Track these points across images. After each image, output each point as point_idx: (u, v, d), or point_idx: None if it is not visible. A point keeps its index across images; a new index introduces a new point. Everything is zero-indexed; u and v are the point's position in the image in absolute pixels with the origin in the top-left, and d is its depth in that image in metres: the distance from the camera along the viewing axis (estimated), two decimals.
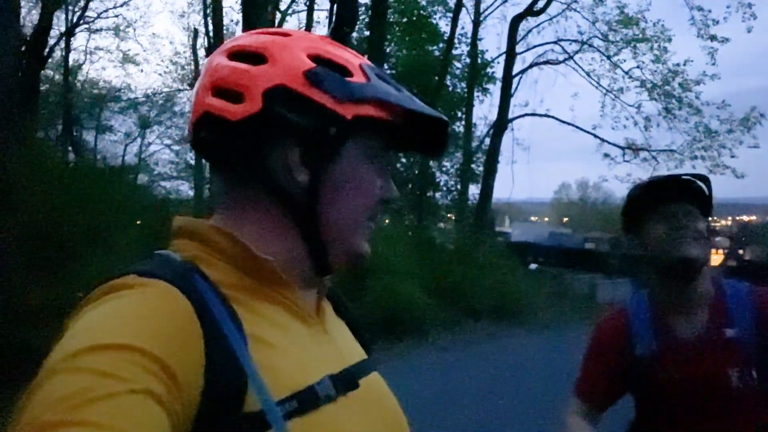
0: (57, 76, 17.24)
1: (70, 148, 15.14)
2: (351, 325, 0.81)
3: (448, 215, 17.50)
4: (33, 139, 8.39)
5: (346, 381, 0.64)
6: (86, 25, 17.44)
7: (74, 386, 0.45)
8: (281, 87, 0.63)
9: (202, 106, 0.65)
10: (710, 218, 1.38)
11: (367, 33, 12.17)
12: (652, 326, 1.38)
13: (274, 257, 0.64)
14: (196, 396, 0.51)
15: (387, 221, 14.74)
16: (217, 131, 0.65)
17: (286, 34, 0.68)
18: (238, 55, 0.66)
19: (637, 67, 16.05)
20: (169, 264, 0.60)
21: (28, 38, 11.89)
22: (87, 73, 20.02)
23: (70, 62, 17.37)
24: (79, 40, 21.76)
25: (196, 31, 18.29)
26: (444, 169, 17.04)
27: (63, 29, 15.18)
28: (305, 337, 0.65)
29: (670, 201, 1.34)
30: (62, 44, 15.71)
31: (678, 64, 15.57)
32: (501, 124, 15.24)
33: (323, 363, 0.64)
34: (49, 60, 14.66)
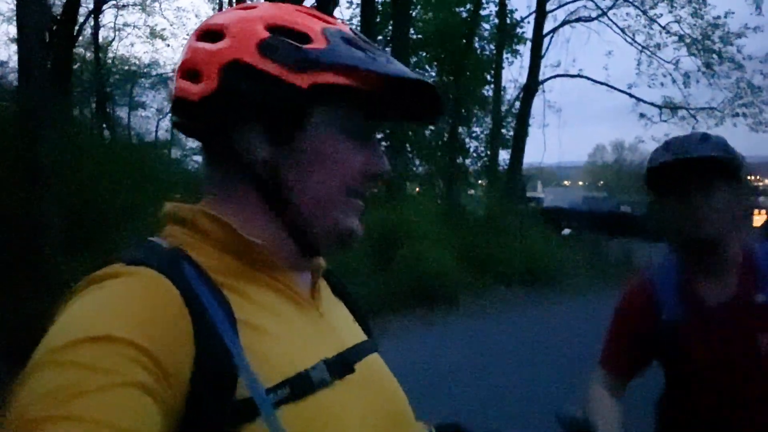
0: (88, 54, 17.49)
1: (104, 126, 15.42)
2: (351, 306, 0.79)
3: (479, 182, 17.31)
4: (68, 118, 8.60)
5: (341, 365, 0.62)
6: (114, 1, 17.59)
7: (61, 380, 0.45)
8: (235, 62, 0.61)
9: (174, 89, 0.64)
10: (741, 177, 1.29)
11: None
12: (679, 292, 1.34)
13: (262, 240, 0.63)
14: (187, 384, 0.51)
15: (417, 189, 14.72)
16: (184, 113, 0.64)
17: (251, 8, 0.66)
18: (203, 34, 0.65)
19: (675, 21, 15.41)
20: (156, 251, 0.60)
21: (57, 17, 12.06)
22: (116, 50, 20.28)
23: (100, 40, 17.59)
24: (107, 17, 21.97)
25: (220, 3, 18.23)
26: (474, 134, 16.81)
27: (91, 6, 15.33)
28: (299, 321, 0.64)
29: (682, 181, 1.28)
30: (91, 22, 15.89)
31: (718, 17, 14.89)
32: (531, 87, 14.88)
33: (318, 347, 0.63)
34: (80, 38, 14.88)
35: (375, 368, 0.71)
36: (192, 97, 0.62)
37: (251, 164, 0.63)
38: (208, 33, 0.64)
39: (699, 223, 1.27)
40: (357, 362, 0.66)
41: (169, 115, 1.05)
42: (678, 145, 1.30)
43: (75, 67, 14.38)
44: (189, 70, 0.63)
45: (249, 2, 0.68)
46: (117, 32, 20.07)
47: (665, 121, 16.15)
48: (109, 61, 19.41)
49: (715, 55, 15.04)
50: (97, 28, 16.78)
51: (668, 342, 1.34)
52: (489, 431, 0.90)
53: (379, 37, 13.99)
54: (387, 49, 13.59)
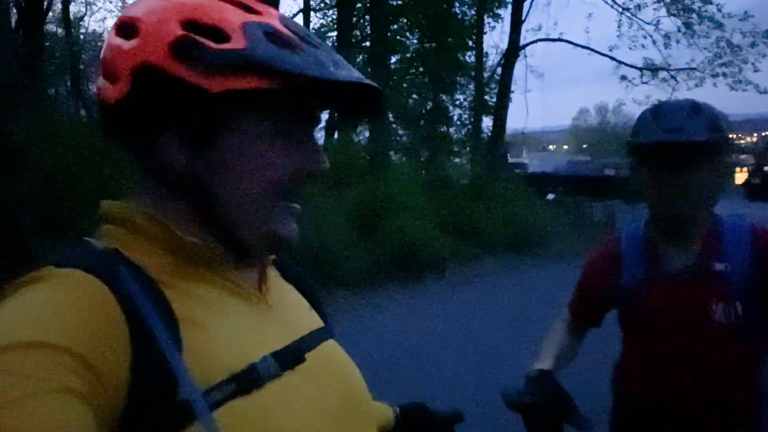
0: (59, 31, 17.02)
1: (80, 104, 15.12)
2: (306, 292, 0.78)
3: (463, 149, 17.28)
4: (41, 97, 8.40)
5: (291, 356, 0.62)
6: None
7: None
8: (145, 65, 0.57)
9: (95, 88, 0.61)
10: (726, 154, 1.30)
11: None
12: (643, 255, 1.38)
13: (197, 239, 0.61)
14: (124, 387, 0.50)
15: (402, 158, 14.67)
16: (105, 115, 0.61)
17: None
18: (120, 27, 0.61)
19: None
20: (90, 252, 0.58)
21: None
22: (88, 25, 19.74)
23: (71, 15, 17.08)
24: None
25: None
26: (457, 102, 16.70)
27: None
28: (246, 315, 0.63)
29: (666, 156, 1.27)
30: None
31: None
32: (513, 52, 14.75)
33: (267, 340, 0.62)
34: (50, 14, 14.44)
35: (329, 356, 0.70)
36: (108, 100, 0.59)
37: (171, 173, 0.61)
38: (123, 26, 0.60)
39: (676, 201, 1.28)
40: (309, 351, 0.65)
41: None
42: (667, 118, 1.28)
43: (46, 44, 13.99)
44: (106, 69, 0.60)
45: None
46: (88, 7, 19.56)
47: (646, 83, 16.13)
48: (81, 37, 18.91)
49: (694, 15, 14.96)
50: (67, 3, 16.29)
51: (627, 303, 1.39)
52: (452, 412, 0.91)
53: (358, 5, 13.75)
54: (366, 17, 13.37)
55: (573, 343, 1.47)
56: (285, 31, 0.61)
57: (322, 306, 0.79)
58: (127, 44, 0.58)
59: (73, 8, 17.81)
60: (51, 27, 16.03)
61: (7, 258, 4.26)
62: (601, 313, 1.49)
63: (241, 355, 0.58)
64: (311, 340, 0.68)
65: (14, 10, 11.21)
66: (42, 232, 4.79)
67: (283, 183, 0.63)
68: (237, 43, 0.57)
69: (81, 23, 18.91)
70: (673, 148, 1.25)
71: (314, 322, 0.73)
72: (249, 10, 0.61)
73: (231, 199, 0.62)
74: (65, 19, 16.40)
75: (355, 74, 0.62)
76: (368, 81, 0.62)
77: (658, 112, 1.31)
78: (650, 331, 1.35)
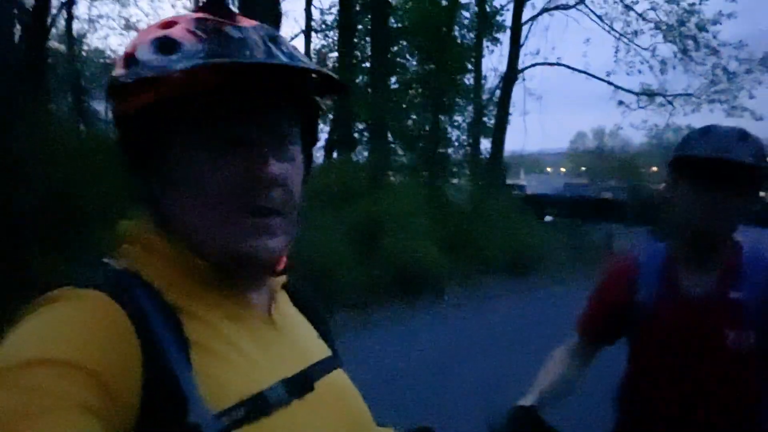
0: (62, 47, 17.13)
1: (80, 119, 15.16)
2: (315, 320, 0.78)
3: (461, 170, 17.35)
4: (43, 112, 8.42)
5: (300, 384, 0.62)
6: None
7: (6, 404, 0.45)
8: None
9: None
10: (762, 185, 1.31)
11: None
12: (659, 276, 1.38)
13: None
14: (136, 406, 0.51)
15: (401, 178, 14.71)
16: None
17: (165, 25, 0.61)
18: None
19: (651, 8, 15.50)
20: (107, 273, 0.59)
21: (30, 9, 11.78)
22: (91, 42, 19.92)
23: (74, 32, 17.23)
24: (81, 8, 21.55)
25: None
26: (455, 123, 16.81)
27: None
28: (256, 340, 0.63)
29: (710, 175, 1.27)
30: (64, 14, 15.56)
31: (693, 3, 14.98)
32: (511, 75, 14.91)
33: (276, 366, 0.62)
34: (53, 30, 14.57)
35: (337, 385, 0.70)
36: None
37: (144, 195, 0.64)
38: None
39: (714, 220, 1.28)
40: (317, 380, 0.65)
41: None
42: (717, 139, 1.28)
43: (49, 61, 14.07)
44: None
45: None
46: (91, 24, 19.71)
47: (643, 107, 16.31)
48: (84, 53, 19.04)
49: (691, 41, 15.19)
50: (70, 19, 16.44)
51: (638, 323, 1.38)
52: None
53: (359, 27, 13.91)
54: (367, 39, 13.52)
55: (577, 368, 1.44)
56: (185, 35, 0.58)
57: (331, 334, 0.79)
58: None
59: (76, 25, 17.97)
60: (54, 43, 16.15)
61: (7, 273, 4.24)
62: (613, 329, 1.47)
63: (251, 381, 0.58)
64: (320, 369, 0.67)
65: (18, 26, 11.32)
66: (43, 247, 4.77)
67: (236, 192, 0.60)
68: (135, 65, 0.59)
69: (84, 40, 19.05)
70: (721, 166, 1.25)
71: (322, 350, 0.73)
72: (167, 25, 0.61)
73: (185, 218, 0.61)
74: (68, 36, 16.54)
75: (268, 58, 0.57)
76: (277, 61, 0.58)
77: (707, 132, 1.32)
78: (661, 351, 1.35)
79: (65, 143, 6.90)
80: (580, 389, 1.44)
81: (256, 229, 0.60)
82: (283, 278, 0.71)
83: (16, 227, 4.70)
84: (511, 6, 15.42)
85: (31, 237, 4.83)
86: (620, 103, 16.49)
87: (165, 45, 0.58)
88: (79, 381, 0.48)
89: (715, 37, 15.00)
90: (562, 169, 62.40)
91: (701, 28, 15.06)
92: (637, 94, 16.38)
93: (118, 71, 0.60)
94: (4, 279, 4.09)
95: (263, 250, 0.61)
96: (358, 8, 13.36)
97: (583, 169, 54.10)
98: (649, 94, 16.33)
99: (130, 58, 0.59)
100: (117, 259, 0.62)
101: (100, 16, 23.64)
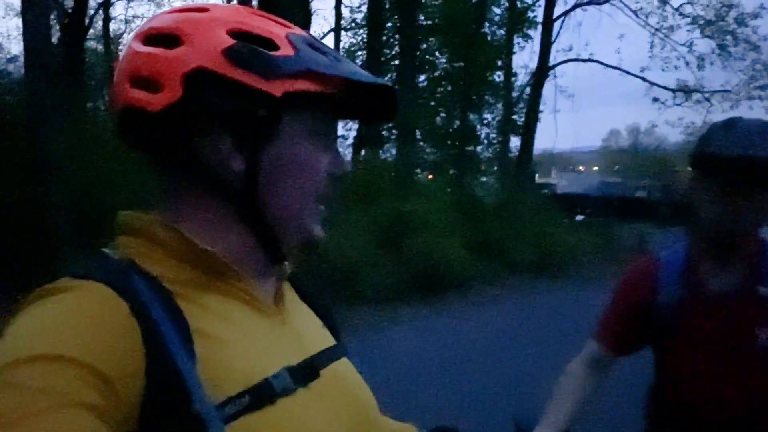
0: (99, 47, 17.58)
1: None
2: (319, 310, 0.78)
3: (490, 168, 17.20)
4: (79, 111, 8.65)
5: (305, 372, 0.62)
6: None
7: (5, 403, 0.44)
8: (200, 70, 0.58)
9: (121, 99, 0.61)
10: None
11: None
12: (682, 276, 1.32)
13: (223, 249, 0.62)
14: (139, 398, 0.50)
15: (430, 176, 14.66)
16: (140, 124, 0.60)
17: (202, 9, 0.63)
18: (152, 39, 0.61)
19: (688, 2, 15.10)
20: (105, 263, 0.58)
21: (68, 10, 12.12)
22: (127, 42, 20.34)
23: (110, 32, 17.67)
24: (117, 9, 22.04)
25: None
26: (485, 121, 16.67)
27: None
28: (262, 328, 0.63)
29: (735, 172, 1.21)
30: (101, 14, 15.96)
31: None
32: (542, 72, 14.71)
33: (281, 354, 0.62)
34: (90, 31, 14.95)
35: (342, 374, 0.70)
36: (151, 108, 0.58)
37: (220, 175, 0.61)
38: (159, 37, 0.61)
39: (739, 219, 1.23)
40: (322, 368, 0.65)
41: None
42: (742, 134, 1.22)
43: (87, 60, 14.46)
44: (143, 78, 0.60)
45: (192, 2, 0.65)
46: (127, 24, 20.16)
47: (679, 104, 15.90)
48: (120, 53, 19.49)
49: (729, 37, 14.73)
50: (107, 20, 16.87)
51: (663, 325, 1.33)
52: None
53: (388, 24, 13.90)
54: (396, 36, 13.49)
55: (593, 387, 1.38)
56: (317, 42, 0.65)
57: (337, 324, 0.79)
58: (171, 53, 0.59)
59: (112, 26, 18.46)
60: (91, 43, 16.59)
61: (37, 265, 4.37)
62: (634, 336, 1.39)
63: (257, 369, 0.57)
64: (325, 357, 0.67)
65: (57, 27, 11.65)
66: (75, 241, 4.89)
67: (322, 184, 0.66)
68: (286, 50, 0.61)
69: (120, 40, 19.51)
70: (749, 163, 1.19)
71: (327, 340, 0.73)
72: (284, 25, 0.65)
73: (281, 200, 0.64)
74: (105, 36, 16.98)
75: (377, 79, 0.66)
76: (387, 83, 0.68)
77: (731, 126, 1.26)
78: (690, 352, 1.30)
79: (101, 141, 7.08)
80: (606, 400, 1.39)
81: (318, 215, 0.67)
82: (289, 268, 0.71)
83: (47, 223, 4.84)
84: (542, 1, 15.20)
85: (62, 232, 4.96)
86: (655, 99, 16.13)
87: (313, 46, 0.64)
88: (79, 377, 0.47)
89: (755, 31, 14.54)
90: (595, 168, 61.32)
91: (741, 22, 14.60)
92: (673, 90, 15.99)
93: (286, 51, 0.61)
94: (35, 273, 4.22)
95: (319, 233, 0.68)
96: (387, 6, 13.34)
97: (617, 167, 53.08)
98: (686, 90, 15.91)
99: (269, 42, 0.61)
100: (115, 249, 0.61)
101: (136, 17, 24.14)
